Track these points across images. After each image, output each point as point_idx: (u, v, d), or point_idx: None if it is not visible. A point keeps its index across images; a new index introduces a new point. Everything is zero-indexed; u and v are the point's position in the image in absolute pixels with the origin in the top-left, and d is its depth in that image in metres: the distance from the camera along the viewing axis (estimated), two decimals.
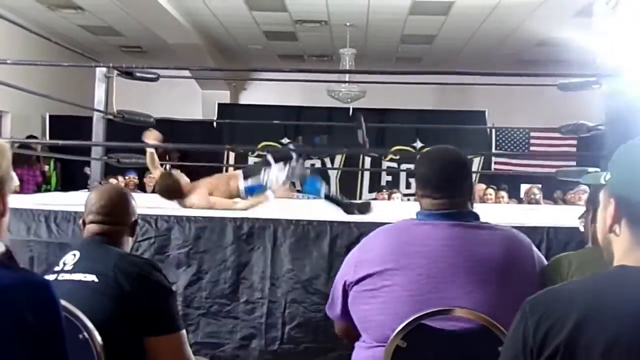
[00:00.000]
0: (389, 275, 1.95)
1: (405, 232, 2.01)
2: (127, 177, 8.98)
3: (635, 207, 1.24)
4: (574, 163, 8.12)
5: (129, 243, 2.25)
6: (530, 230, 2.61)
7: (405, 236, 2.00)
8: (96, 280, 1.95)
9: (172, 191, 4.08)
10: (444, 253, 1.94)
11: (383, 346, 1.88)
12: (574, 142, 9.61)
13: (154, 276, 2.01)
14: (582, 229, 2.28)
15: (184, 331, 2.02)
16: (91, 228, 2.18)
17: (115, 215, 2.19)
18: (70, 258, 2.05)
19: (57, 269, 2.03)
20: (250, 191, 4.30)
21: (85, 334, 1.80)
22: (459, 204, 2.04)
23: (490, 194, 8.29)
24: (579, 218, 2.31)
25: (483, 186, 8.57)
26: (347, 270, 2.07)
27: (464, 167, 2.13)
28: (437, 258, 1.94)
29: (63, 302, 1.57)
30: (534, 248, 2.10)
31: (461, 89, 11.04)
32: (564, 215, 3.82)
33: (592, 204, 2.12)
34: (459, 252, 1.95)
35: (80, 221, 2.24)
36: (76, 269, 2.00)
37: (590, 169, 3.96)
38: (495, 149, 10.98)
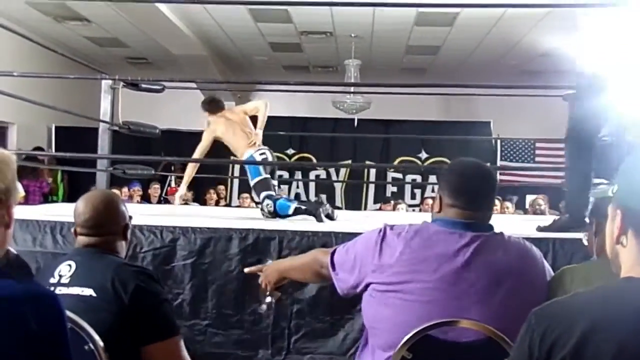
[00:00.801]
0: (404, 281, 1.95)
1: (426, 240, 2.00)
2: (131, 189, 9.01)
3: None
4: None
5: (123, 247, 2.21)
6: (536, 242, 2.59)
7: (424, 244, 1.99)
8: (94, 294, 1.93)
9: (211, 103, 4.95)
10: (459, 263, 1.94)
11: (389, 353, 1.88)
12: None
13: (151, 287, 2.00)
14: (585, 242, 2.27)
15: (180, 336, 2.01)
16: (82, 240, 2.14)
17: (103, 226, 2.13)
18: (66, 269, 2.01)
19: (52, 281, 1.99)
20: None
21: (91, 345, 1.80)
22: (482, 217, 2.06)
23: (496, 205, 8.27)
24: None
25: None
26: (365, 270, 2.05)
27: (494, 182, 2.17)
28: (453, 268, 1.94)
29: (68, 313, 1.56)
30: (544, 260, 2.12)
31: (466, 100, 11.05)
32: None
33: (595, 217, 2.12)
34: (474, 262, 1.95)
35: (72, 230, 2.20)
36: (73, 282, 1.97)
37: (596, 180, 3.92)
38: (501, 159, 10.97)
